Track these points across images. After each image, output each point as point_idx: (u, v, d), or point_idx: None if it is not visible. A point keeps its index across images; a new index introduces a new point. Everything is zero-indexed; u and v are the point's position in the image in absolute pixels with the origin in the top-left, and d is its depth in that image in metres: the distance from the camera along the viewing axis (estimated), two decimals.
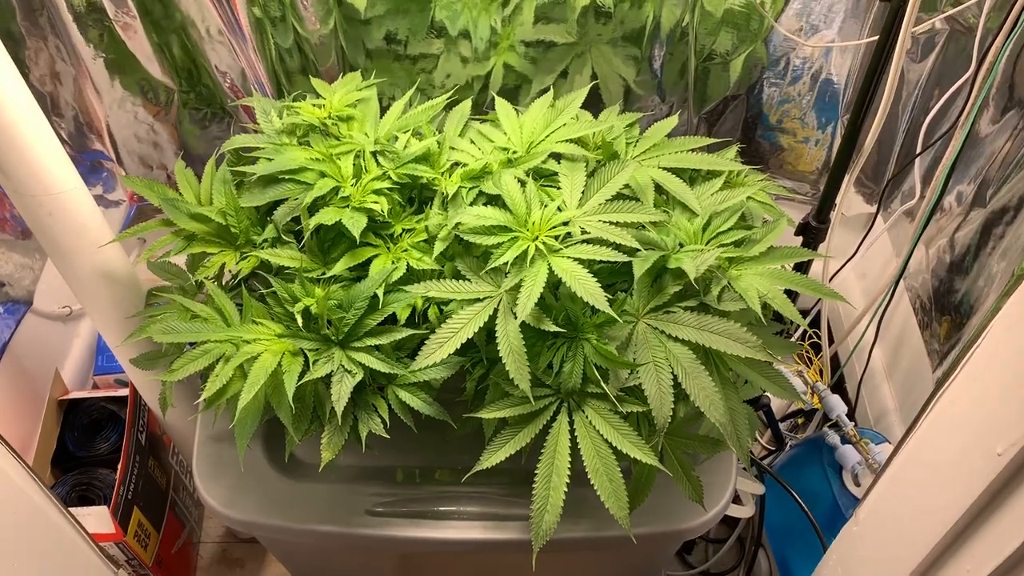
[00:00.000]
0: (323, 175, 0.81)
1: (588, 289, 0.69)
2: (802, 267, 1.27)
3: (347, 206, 0.79)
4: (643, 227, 0.77)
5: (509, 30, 1.20)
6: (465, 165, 0.82)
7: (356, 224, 0.77)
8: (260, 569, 1.45)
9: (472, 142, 0.87)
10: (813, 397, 1.30)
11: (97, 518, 1.11)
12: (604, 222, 0.74)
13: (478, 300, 0.73)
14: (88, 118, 1.32)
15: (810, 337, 1.53)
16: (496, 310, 0.72)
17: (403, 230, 0.81)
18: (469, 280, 0.75)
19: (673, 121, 0.91)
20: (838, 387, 1.49)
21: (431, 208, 0.82)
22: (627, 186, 0.79)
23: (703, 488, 0.78)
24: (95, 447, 1.27)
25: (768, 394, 0.77)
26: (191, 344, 0.79)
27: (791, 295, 0.79)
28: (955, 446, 0.55)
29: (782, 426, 1.43)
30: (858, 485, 1.18)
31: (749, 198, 0.84)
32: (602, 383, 0.71)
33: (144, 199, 0.87)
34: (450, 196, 0.79)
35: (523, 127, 0.87)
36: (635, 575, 1.16)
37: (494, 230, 0.75)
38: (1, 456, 0.70)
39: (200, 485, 0.89)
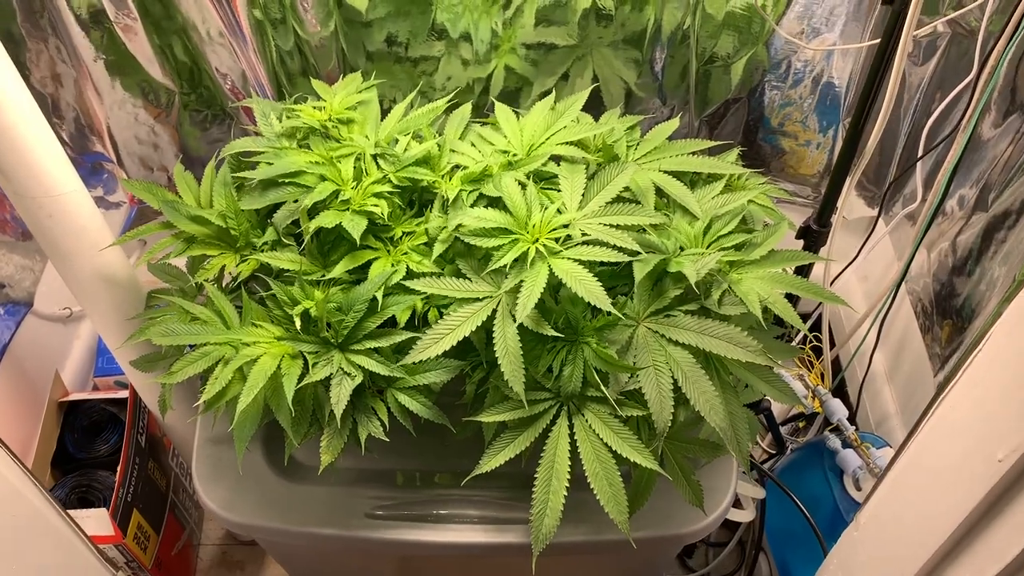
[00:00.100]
0: (323, 178, 0.81)
1: (589, 289, 0.69)
2: (803, 270, 1.27)
3: (347, 209, 0.79)
4: (643, 230, 0.76)
5: (510, 32, 1.20)
6: (465, 168, 0.82)
7: (356, 227, 0.77)
8: (260, 571, 1.45)
9: (472, 145, 0.87)
10: (814, 401, 1.30)
11: (96, 520, 1.11)
12: (604, 225, 0.74)
13: (477, 300, 0.73)
14: (89, 120, 1.32)
15: (811, 341, 1.53)
16: (495, 311, 0.72)
17: (403, 233, 0.81)
18: (469, 279, 0.75)
19: (674, 124, 0.91)
20: (839, 391, 1.49)
21: (431, 211, 0.81)
22: (628, 189, 0.79)
23: (703, 492, 0.78)
24: (95, 449, 1.27)
25: (768, 398, 0.77)
26: (191, 346, 0.79)
27: (792, 299, 0.79)
28: (956, 451, 0.55)
29: (783, 430, 1.42)
30: (859, 489, 1.17)
31: (750, 201, 0.84)
32: (602, 387, 0.71)
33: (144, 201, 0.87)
34: (450, 199, 0.79)
35: (523, 130, 0.87)
36: None
37: (494, 232, 0.75)
38: None
39: (199, 487, 0.89)
